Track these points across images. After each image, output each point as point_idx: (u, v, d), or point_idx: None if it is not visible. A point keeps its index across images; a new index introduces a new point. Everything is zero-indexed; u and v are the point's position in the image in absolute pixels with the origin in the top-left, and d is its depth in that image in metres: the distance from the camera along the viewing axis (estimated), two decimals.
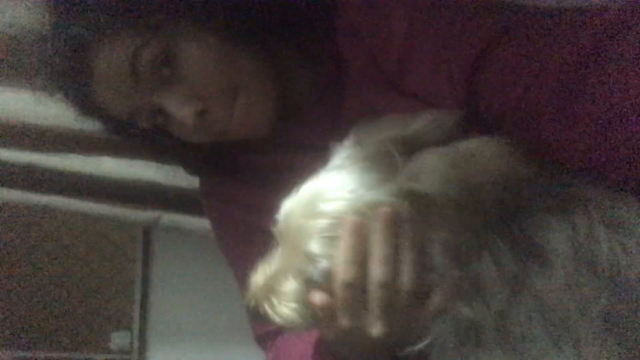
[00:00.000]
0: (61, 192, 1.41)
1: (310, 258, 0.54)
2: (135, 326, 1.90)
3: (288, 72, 0.76)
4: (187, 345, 1.89)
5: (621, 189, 0.53)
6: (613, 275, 0.51)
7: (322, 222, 0.53)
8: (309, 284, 0.55)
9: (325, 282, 0.54)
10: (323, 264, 0.54)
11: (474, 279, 0.52)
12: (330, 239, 0.53)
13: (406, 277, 0.51)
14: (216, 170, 0.95)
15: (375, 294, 0.52)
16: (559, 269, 0.51)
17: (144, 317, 1.88)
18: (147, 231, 1.74)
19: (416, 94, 0.63)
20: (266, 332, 0.87)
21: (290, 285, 0.57)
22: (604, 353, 0.50)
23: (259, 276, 0.60)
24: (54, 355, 2.06)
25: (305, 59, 0.76)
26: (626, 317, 0.51)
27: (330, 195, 0.53)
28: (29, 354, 2.15)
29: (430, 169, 0.50)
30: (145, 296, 1.86)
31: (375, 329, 0.53)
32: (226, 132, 0.75)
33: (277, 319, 0.58)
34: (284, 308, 0.57)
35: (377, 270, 0.51)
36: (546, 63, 0.52)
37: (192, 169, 1.01)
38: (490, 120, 0.59)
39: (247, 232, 0.91)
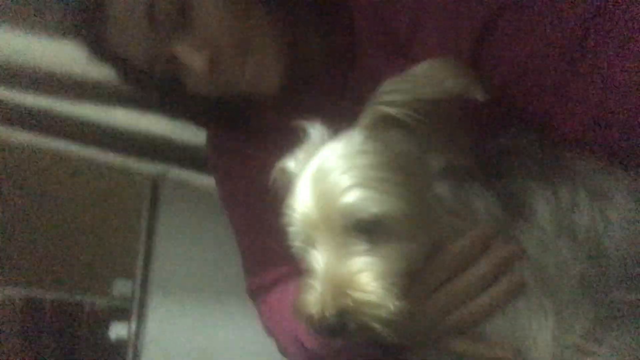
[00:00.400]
0: (73, 139, 1.43)
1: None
2: (138, 275, 1.95)
3: (301, 36, 0.76)
4: (186, 297, 1.95)
5: (611, 162, 0.54)
6: (591, 241, 0.53)
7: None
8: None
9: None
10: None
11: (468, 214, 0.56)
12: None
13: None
14: (226, 125, 0.96)
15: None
16: (540, 230, 0.54)
17: (146, 267, 1.93)
18: (155, 185, 1.77)
19: (416, 59, 0.63)
20: (258, 287, 0.90)
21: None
22: (580, 314, 0.53)
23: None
24: (58, 295, 2.13)
25: (318, 24, 0.77)
26: (601, 282, 0.53)
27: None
28: (33, 293, 2.22)
29: (393, 91, 0.53)
30: (149, 247, 1.90)
31: None
32: (236, 87, 0.76)
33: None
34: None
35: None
36: (549, 32, 0.52)
37: (202, 122, 1.01)
38: (491, 91, 0.60)
39: (251, 189, 0.93)
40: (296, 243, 0.60)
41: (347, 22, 0.72)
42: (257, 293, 0.92)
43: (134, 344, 2.05)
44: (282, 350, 0.89)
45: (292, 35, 0.75)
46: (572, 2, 0.53)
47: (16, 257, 2.20)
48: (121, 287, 2.07)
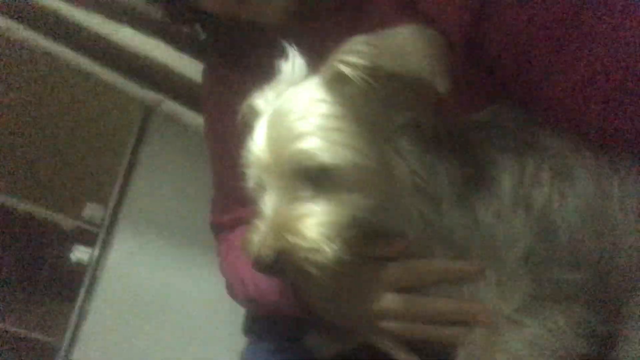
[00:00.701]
0: (78, 47, 1.42)
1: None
2: (111, 203, 1.95)
3: None
4: (154, 234, 1.95)
5: (584, 144, 0.55)
6: (543, 217, 0.54)
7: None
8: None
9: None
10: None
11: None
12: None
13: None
14: (224, 58, 0.95)
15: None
16: (498, 199, 0.55)
17: (121, 196, 1.92)
18: (147, 113, 1.76)
19: (429, 17, 0.62)
20: (220, 223, 0.90)
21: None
22: (520, 287, 0.54)
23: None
24: (29, 207, 2.11)
25: None
26: (546, 259, 0.54)
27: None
28: (7, 202, 2.21)
29: (354, 51, 0.53)
30: (128, 176, 1.89)
31: None
32: (242, 4, 0.75)
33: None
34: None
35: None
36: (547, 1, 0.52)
37: (204, 51, 1.00)
38: (486, 60, 0.60)
39: (233, 126, 0.92)
40: (250, 185, 0.60)
41: None
42: (219, 229, 0.92)
43: (93, 269, 2.05)
44: (229, 289, 0.89)
45: None
46: None
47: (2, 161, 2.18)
48: (92, 212, 2.06)
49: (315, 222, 0.54)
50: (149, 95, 1.46)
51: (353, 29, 0.75)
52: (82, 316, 2.11)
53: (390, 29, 0.67)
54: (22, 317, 2.32)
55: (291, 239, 0.53)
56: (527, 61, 0.54)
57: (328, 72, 0.56)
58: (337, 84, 0.55)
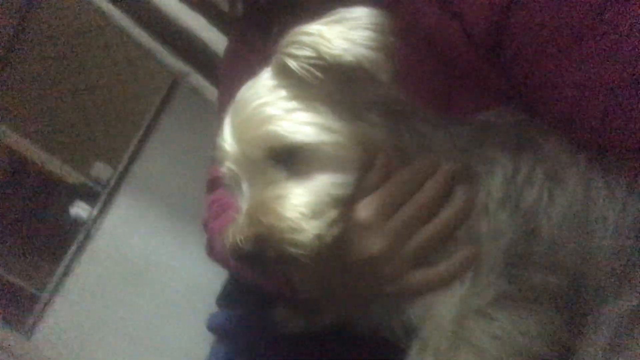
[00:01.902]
0: (122, 7, 1.46)
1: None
2: (120, 166, 1.97)
3: None
4: (156, 204, 1.96)
5: (582, 148, 0.55)
6: (529, 217, 0.53)
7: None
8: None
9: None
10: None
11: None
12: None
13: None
14: (248, 37, 0.96)
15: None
16: (487, 194, 0.55)
17: (132, 161, 1.95)
18: (173, 86, 1.78)
19: (458, 13, 0.63)
20: (214, 178, 0.90)
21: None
22: (495, 284, 0.53)
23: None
24: (41, 156, 2.15)
25: None
26: (525, 259, 0.53)
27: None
28: (21, 147, 2.25)
29: (295, 42, 0.52)
30: (141, 143, 1.92)
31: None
32: None
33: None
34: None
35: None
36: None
37: (231, 28, 1.01)
38: (503, 60, 0.60)
39: None
40: (227, 181, 0.59)
41: None
42: (211, 185, 0.92)
43: (88, 228, 2.07)
44: (209, 247, 0.89)
45: None
46: None
47: (22, 105, 2.23)
48: (100, 171, 2.09)
49: (292, 202, 0.52)
50: (179, 65, 1.48)
51: (393, 11, 0.75)
52: (67, 272, 2.12)
53: (421, 19, 0.68)
54: (11, 261, 2.34)
55: (268, 220, 0.52)
56: (543, 60, 0.54)
57: (275, 65, 0.55)
58: (285, 75, 0.54)
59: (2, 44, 2.19)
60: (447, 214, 0.56)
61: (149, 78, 1.96)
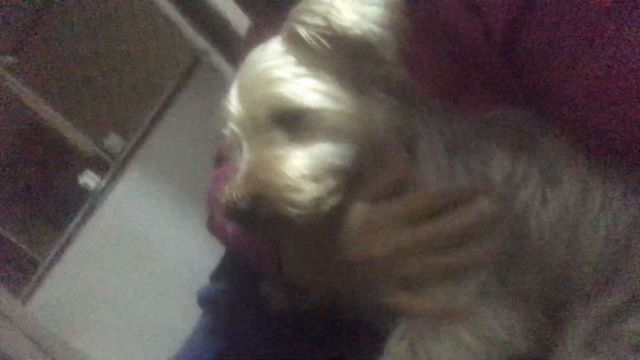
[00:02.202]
0: None
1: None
2: (134, 139, 1.97)
3: None
4: (164, 182, 1.96)
5: (584, 151, 0.53)
6: (521, 217, 0.52)
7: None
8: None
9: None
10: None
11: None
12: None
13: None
14: (269, 19, 0.96)
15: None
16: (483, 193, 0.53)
17: (145, 135, 1.94)
18: (194, 63, 1.77)
19: (477, 8, 0.62)
20: (217, 155, 0.90)
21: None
22: (479, 280, 0.51)
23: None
24: (56, 119, 2.16)
25: None
26: (514, 260, 0.52)
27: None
28: (41, 111, 2.27)
29: (307, 10, 0.52)
30: (157, 118, 1.91)
31: None
32: None
33: None
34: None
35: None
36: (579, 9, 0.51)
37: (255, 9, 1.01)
38: (515, 59, 0.59)
39: None
40: (229, 144, 0.57)
41: None
42: (218, 160, 0.92)
43: (95, 198, 2.08)
44: (209, 219, 0.89)
45: None
46: None
47: (46, 68, 2.26)
48: (113, 142, 2.10)
49: (293, 163, 0.52)
50: (201, 43, 1.49)
51: (412, 10, 0.74)
52: (70, 240, 2.13)
53: (445, 15, 0.67)
54: (17, 224, 2.36)
55: (267, 178, 0.51)
56: (556, 60, 0.53)
57: (286, 31, 0.55)
58: (295, 43, 0.54)
59: (33, 8, 2.22)
60: (464, 256, 0.53)
61: (172, 53, 1.97)
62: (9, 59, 2.26)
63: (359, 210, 0.57)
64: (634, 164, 0.51)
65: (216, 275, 0.91)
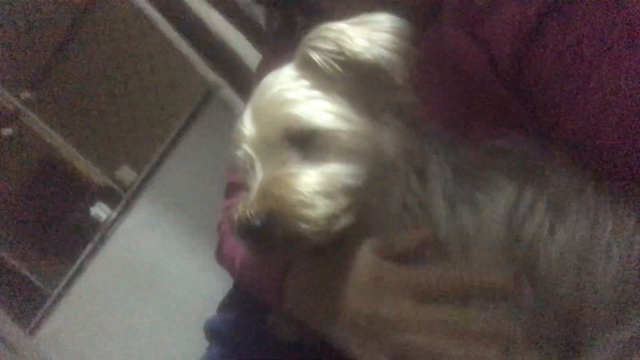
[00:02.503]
0: (169, 16, 1.52)
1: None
2: (145, 171, 1.99)
3: None
4: (174, 214, 1.96)
5: (591, 180, 0.53)
6: (528, 247, 0.51)
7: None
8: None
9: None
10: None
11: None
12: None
13: None
14: (280, 54, 0.99)
15: None
16: (488, 222, 0.53)
17: (156, 167, 1.97)
18: (205, 97, 1.81)
19: (484, 40, 0.63)
20: (229, 184, 0.91)
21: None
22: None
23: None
24: (70, 151, 2.20)
25: None
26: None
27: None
28: (55, 143, 2.31)
29: (320, 37, 0.54)
30: (168, 150, 1.94)
31: None
32: None
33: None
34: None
35: None
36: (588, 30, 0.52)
37: (265, 44, 1.03)
38: (523, 87, 0.59)
39: None
40: (242, 166, 0.58)
41: None
42: (229, 190, 0.93)
43: (106, 229, 2.09)
44: (218, 249, 0.89)
45: None
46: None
47: (63, 102, 2.31)
48: (125, 174, 2.12)
49: (305, 180, 0.52)
50: (214, 77, 1.52)
51: (419, 40, 0.76)
52: (79, 272, 2.13)
53: (450, 46, 0.68)
54: (28, 255, 2.38)
55: (280, 194, 0.51)
56: (563, 86, 0.54)
57: (299, 57, 0.57)
58: (308, 68, 0.55)
59: (52, 45, 2.29)
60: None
61: (185, 88, 2.01)
62: (27, 94, 2.32)
63: (369, 261, 0.57)
64: None
65: (224, 306, 0.91)
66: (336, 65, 0.53)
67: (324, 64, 0.53)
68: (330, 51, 0.53)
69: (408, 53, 0.54)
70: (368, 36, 0.53)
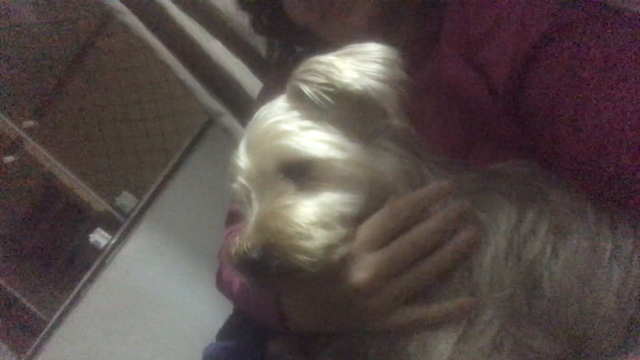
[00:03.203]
0: (172, 47, 1.54)
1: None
2: (145, 198, 1.99)
3: (397, 8, 0.79)
4: (173, 241, 1.96)
5: (591, 202, 0.53)
6: (531, 271, 0.52)
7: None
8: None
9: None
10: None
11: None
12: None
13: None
14: (281, 82, 1.00)
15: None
16: (491, 245, 0.53)
17: (156, 193, 1.96)
18: (206, 124, 1.82)
19: (483, 67, 0.64)
20: (230, 212, 0.92)
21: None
22: (487, 334, 0.51)
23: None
24: (70, 179, 2.21)
25: (416, 7, 0.80)
26: (523, 312, 0.51)
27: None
28: (55, 170, 2.33)
29: (309, 70, 0.55)
30: (168, 177, 1.93)
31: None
32: (326, 15, 0.78)
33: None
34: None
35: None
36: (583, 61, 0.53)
37: (266, 73, 1.05)
38: (521, 113, 0.60)
39: None
40: (238, 199, 0.59)
41: (440, 12, 0.75)
42: (230, 218, 0.94)
43: (105, 256, 2.08)
44: (218, 277, 0.89)
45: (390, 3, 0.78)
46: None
47: (64, 131, 2.33)
48: (125, 201, 2.12)
49: (302, 211, 0.53)
50: (215, 105, 1.54)
51: (418, 68, 0.78)
52: (77, 300, 2.11)
53: (449, 73, 0.69)
54: (25, 282, 2.36)
55: (277, 226, 0.52)
56: (561, 110, 0.54)
57: (290, 90, 0.58)
58: (299, 100, 0.57)
59: (55, 75, 2.33)
60: (443, 254, 0.54)
61: (186, 116, 2.04)
62: (30, 123, 2.35)
63: (367, 260, 0.56)
64: None
65: (223, 334, 0.90)
66: (326, 97, 0.54)
67: (314, 96, 0.54)
68: (320, 84, 0.54)
69: (398, 81, 0.55)
70: (357, 67, 0.54)
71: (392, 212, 0.56)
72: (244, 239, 0.53)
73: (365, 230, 0.56)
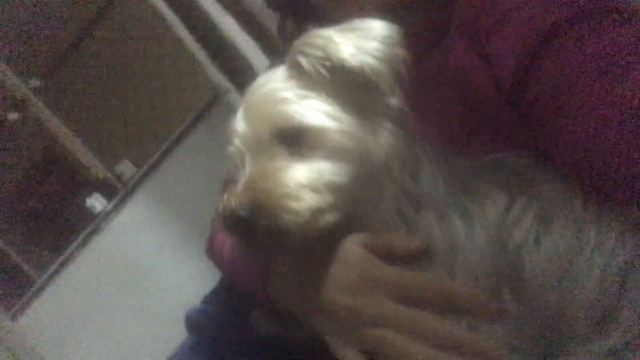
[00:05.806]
0: (183, 17, 1.55)
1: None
2: (144, 167, 2.01)
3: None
4: (169, 213, 1.98)
5: (578, 191, 0.54)
6: (515, 256, 0.52)
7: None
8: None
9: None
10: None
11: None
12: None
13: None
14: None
15: None
16: (477, 230, 0.54)
17: (156, 164, 1.98)
18: (213, 99, 1.83)
19: (490, 58, 0.65)
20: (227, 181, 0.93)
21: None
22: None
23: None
24: (73, 143, 2.22)
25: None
26: (507, 300, 0.52)
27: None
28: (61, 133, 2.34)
29: (309, 44, 0.55)
30: (170, 149, 1.97)
31: None
32: None
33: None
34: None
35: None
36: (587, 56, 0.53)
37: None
38: (522, 106, 0.61)
39: None
40: (234, 163, 0.59)
41: (451, 3, 0.75)
42: (226, 187, 0.94)
43: (100, 221, 2.09)
44: (209, 243, 0.90)
45: None
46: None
47: (72, 96, 2.34)
48: (125, 169, 2.14)
49: (292, 173, 0.53)
50: (222, 81, 1.55)
51: (422, 58, 0.78)
52: (68, 261, 2.13)
53: (455, 65, 0.70)
54: (18, 239, 2.38)
55: (267, 186, 0.52)
56: (564, 105, 0.55)
57: (289, 62, 0.58)
58: (298, 72, 0.57)
59: (72, 34, 2.33)
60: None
61: (193, 90, 2.04)
62: (36, 82, 2.35)
63: (358, 254, 0.57)
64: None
65: (207, 299, 0.91)
66: (323, 70, 0.54)
67: (312, 69, 0.55)
68: (317, 57, 0.55)
69: (395, 60, 0.55)
70: (355, 43, 0.55)
71: (428, 285, 0.55)
72: (233, 197, 0.53)
73: (405, 278, 0.56)
